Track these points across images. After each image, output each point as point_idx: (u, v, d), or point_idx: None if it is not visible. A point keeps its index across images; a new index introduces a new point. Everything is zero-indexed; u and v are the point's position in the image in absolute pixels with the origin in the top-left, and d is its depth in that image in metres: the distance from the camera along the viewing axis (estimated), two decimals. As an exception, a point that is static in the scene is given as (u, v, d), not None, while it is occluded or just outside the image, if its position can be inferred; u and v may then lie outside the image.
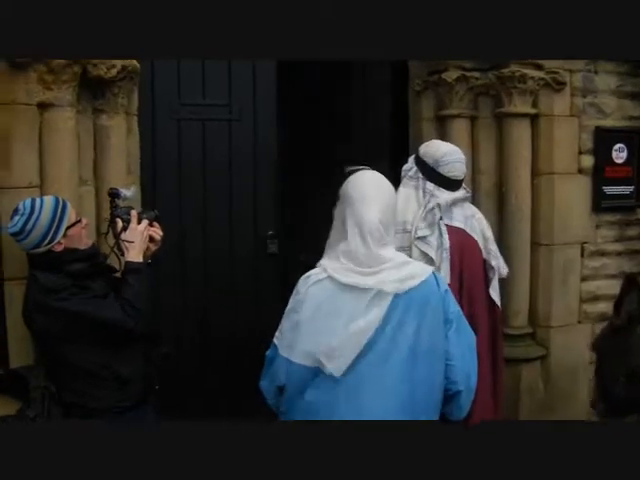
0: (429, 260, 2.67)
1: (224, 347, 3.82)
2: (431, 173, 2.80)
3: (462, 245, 2.74)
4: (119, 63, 3.08)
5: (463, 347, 2.05)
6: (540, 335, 3.95)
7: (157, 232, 2.76)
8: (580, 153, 3.97)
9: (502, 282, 3.37)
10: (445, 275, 2.63)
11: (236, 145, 3.87)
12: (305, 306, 2.00)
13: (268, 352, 2.09)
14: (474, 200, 3.66)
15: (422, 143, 3.15)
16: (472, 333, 2.11)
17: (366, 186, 2.09)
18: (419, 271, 2.04)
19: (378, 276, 1.96)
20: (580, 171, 3.99)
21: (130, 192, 2.77)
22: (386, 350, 1.95)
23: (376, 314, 1.93)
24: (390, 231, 2.07)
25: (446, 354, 2.01)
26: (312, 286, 2.01)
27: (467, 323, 2.09)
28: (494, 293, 2.88)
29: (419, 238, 2.71)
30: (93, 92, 3.14)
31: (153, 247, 2.76)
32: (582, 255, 4.00)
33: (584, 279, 4.00)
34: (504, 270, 2.98)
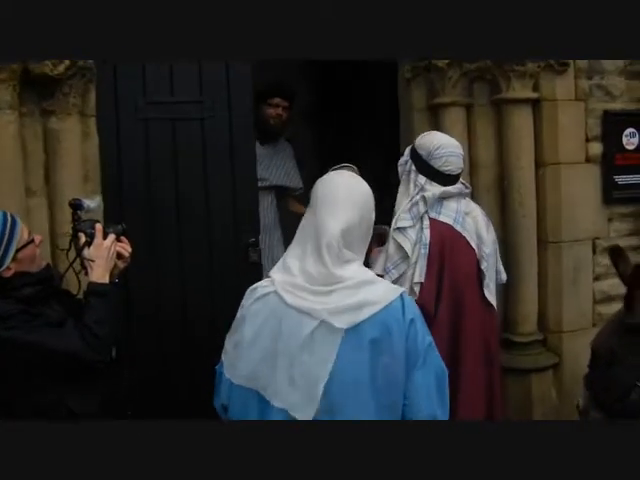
0: (404, 254, 2.58)
1: (205, 362, 3.52)
2: (423, 166, 2.69)
3: (444, 241, 2.61)
4: (67, 59, 2.85)
5: (429, 385, 1.80)
6: (551, 341, 3.77)
7: (125, 248, 2.49)
8: (587, 140, 3.80)
9: (507, 285, 3.36)
10: (421, 272, 2.54)
11: (210, 145, 3.56)
12: (246, 324, 1.84)
13: (217, 367, 1.95)
14: (473, 196, 3.50)
15: (413, 136, 3.06)
16: (442, 368, 1.86)
17: (336, 190, 1.85)
18: (381, 295, 1.79)
19: (330, 298, 1.75)
20: (588, 160, 3.80)
21: (94, 203, 2.51)
22: (338, 393, 1.74)
23: (327, 354, 1.72)
24: (357, 246, 1.84)
25: (406, 392, 1.78)
26: (256, 302, 1.83)
27: (438, 356, 1.85)
28: (490, 295, 2.73)
29: (398, 229, 2.61)
30: (40, 92, 2.91)
31: (121, 265, 2.49)
32: (594, 252, 3.82)
33: (597, 278, 3.82)
34: (502, 276, 2.87)
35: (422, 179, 2.66)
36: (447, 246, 2.61)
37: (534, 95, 3.64)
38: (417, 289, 2.55)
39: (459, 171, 2.73)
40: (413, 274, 2.55)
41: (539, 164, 3.69)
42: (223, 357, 1.91)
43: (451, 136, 3.39)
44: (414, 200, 2.63)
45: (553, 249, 3.70)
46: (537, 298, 3.72)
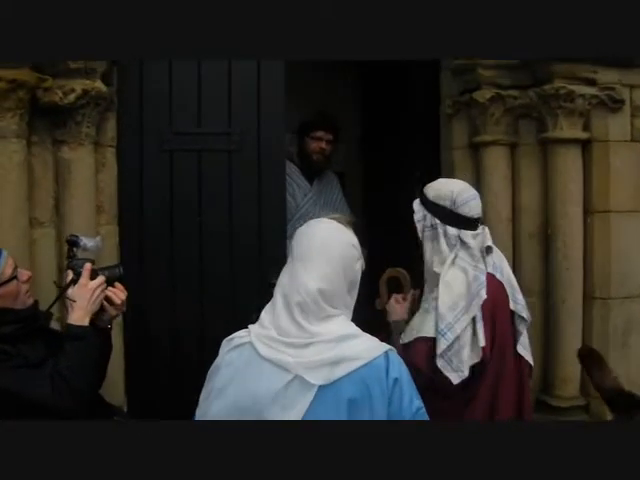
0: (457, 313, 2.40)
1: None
2: (451, 216, 2.51)
3: (495, 295, 2.45)
4: (79, 87, 2.82)
5: None
6: (595, 408, 3.43)
7: (117, 294, 2.36)
8: (643, 187, 3.54)
9: (547, 343, 3.21)
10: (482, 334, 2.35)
11: (237, 180, 3.44)
12: (219, 375, 1.75)
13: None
14: (513, 244, 3.48)
15: (454, 175, 3.14)
16: None
17: (312, 244, 1.75)
18: (362, 351, 1.67)
19: (306, 352, 1.65)
20: (643, 209, 3.55)
21: (92, 242, 2.40)
22: None
23: (297, 412, 1.63)
24: (341, 300, 1.74)
25: None
26: (231, 352, 1.75)
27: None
28: (524, 350, 2.54)
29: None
30: (53, 121, 2.86)
31: (113, 312, 2.37)
32: (647, 311, 3.54)
33: (650, 341, 3.53)
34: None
35: (453, 230, 2.46)
36: (497, 301, 2.46)
37: (584, 135, 3.40)
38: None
39: (480, 214, 2.57)
40: (472, 336, 2.36)
41: (587, 212, 3.45)
42: (197, 411, 1.82)
43: (493, 177, 3.47)
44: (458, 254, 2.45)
45: (600, 306, 3.44)
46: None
